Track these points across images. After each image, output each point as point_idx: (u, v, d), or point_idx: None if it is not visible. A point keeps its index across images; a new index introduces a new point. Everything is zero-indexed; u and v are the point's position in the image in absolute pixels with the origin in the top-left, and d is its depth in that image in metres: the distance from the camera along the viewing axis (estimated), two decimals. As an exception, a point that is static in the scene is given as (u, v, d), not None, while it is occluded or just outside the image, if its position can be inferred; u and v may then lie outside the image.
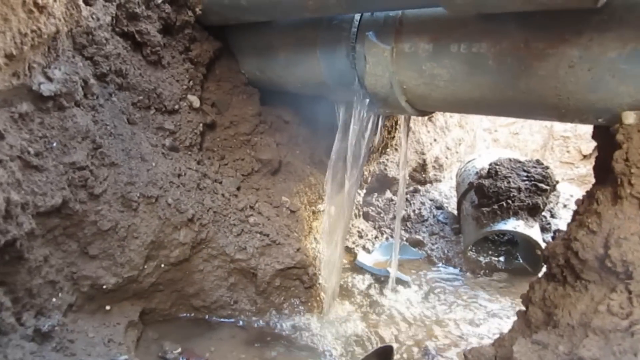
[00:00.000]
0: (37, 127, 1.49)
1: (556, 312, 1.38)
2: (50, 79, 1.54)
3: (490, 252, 3.09)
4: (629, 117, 1.29)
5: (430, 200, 3.73)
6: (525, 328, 1.54)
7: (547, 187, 2.96)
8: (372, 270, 2.69)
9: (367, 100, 2.04)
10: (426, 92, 1.79)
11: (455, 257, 2.94)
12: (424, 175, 4.17)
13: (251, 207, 2.21)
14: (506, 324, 2.24)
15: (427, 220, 3.41)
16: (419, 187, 3.93)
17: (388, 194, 3.79)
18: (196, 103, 2.29)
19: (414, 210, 3.52)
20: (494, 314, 2.37)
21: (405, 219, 3.39)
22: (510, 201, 2.88)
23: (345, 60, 1.99)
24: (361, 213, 3.36)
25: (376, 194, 3.76)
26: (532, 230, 2.82)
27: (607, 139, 1.45)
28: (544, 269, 2.30)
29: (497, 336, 1.67)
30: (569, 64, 1.37)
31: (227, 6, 2.04)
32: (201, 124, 2.30)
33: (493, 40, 1.52)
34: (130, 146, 1.81)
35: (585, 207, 1.43)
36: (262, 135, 2.58)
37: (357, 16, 1.93)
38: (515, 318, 1.64)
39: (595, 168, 1.61)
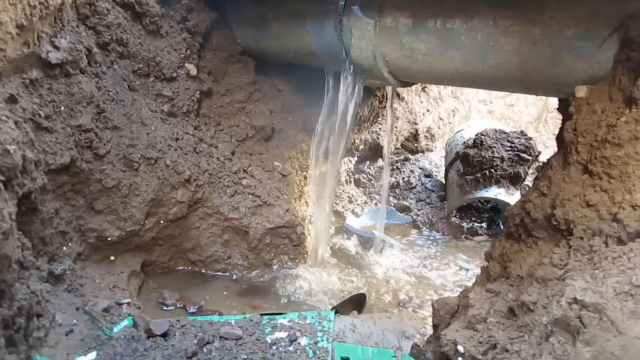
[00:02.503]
0: (46, 92, 1.63)
1: (510, 265, 1.55)
2: (57, 48, 1.67)
3: (473, 219, 3.27)
4: (581, 91, 1.42)
5: (420, 168, 3.88)
6: (485, 280, 1.71)
7: (529, 157, 3.10)
8: (359, 233, 2.87)
9: (353, 70, 2.17)
10: (406, 64, 1.92)
11: (439, 222, 3.11)
12: (415, 145, 4.30)
13: (244, 171, 2.37)
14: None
15: (415, 187, 3.57)
16: (410, 155, 4.07)
17: (380, 162, 3.93)
18: (193, 71, 2.42)
19: (403, 178, 3.67)
20: (466, 271, 2.56)
21: (395, 186, 3.55)
22: (493, 170, 3.03)
23: (333, 32, 2.10)
24: (352, 180, 3.52)
25: (368, 162, 3.91)
26: (512, 198, 2.98)
27: (566, 112, 1.59)
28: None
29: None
30: (531, 40, 1.49)
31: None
32: (198, 92, 2.43)
33: (466, 17, 1.64)
34: (131, 111, 1.96)
35: (542, 172, 1.58)
36: (257, 103, 2.71)
37: (345, -10, 2.02)
38: (480, 273, 1.82)
39: (557, 138, 1.75)
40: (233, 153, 2.47)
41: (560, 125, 1.79)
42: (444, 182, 3.67)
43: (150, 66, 2.20)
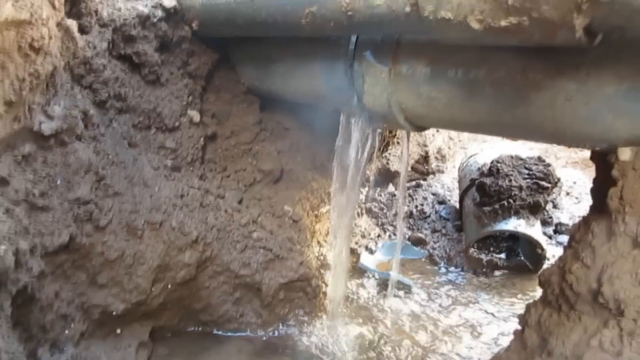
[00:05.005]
0: (41, 166, 1.52)
1: (551, 339, 1.42)
2: (50, 117, 1.56)
3: (491, 249, 3.13)
4: (625, 154, 1.30)
5: (433, 194, 3.75)
6: (521, 349, 1.58)
7: (549, 185, 2.97)
8: (375, 273, 2.75)
9: (367, 114, 2.05)
10: (424, 112, 1.79)
11: (457, 256, 2.98)
12: (426, 167, 4.18)
13: (254, 222, 2.25)
14: (503, 327, 2.31)
15: (429, 216, 3.44)
16: (421, 181, 3.94)
17: (391, 188, 3.81)
18: (196, 118, 2.30)
19: (416, 206, 3.55)
20: (492, 316, 2.43)
21: (408, 216, 3.42)
22: (511, 200, 2.90)
23: (343, 76, 1.98)
24: (364, 211, 3.39)
25: (379, 189, 3.79)
26: (533, 229, 2.85)
27: (604, 163, 1.46)
28: (544, 266, 2.36)
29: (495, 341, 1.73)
30: (566, 96, 1.37)
31: (224, 23, 2.02)
32: (202, 138, 2.32)
33: (490, 67, 1.51)
34: (132, 173, 1.84)
35: (581, 235, 1.45)
36: (263, 144, 2.59)
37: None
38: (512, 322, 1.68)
39: (592, 190, 1.62)
40: (241, 201, 2.35)
41: (594, 176, 1.66)
42: (458, 207, 3.54)
43: (151, 118, 2.09)
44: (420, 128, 2.03)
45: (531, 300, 1.61)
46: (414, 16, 1.36)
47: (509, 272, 2.93)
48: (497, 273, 2.89)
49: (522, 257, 3.09)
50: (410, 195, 3.69)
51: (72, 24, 1.68)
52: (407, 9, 1.37)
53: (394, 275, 2.57)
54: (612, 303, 1.24)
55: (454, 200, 3.71)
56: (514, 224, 2.84)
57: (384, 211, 3.49)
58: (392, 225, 3.33)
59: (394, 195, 3.65)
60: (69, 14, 1.78)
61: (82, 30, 1.82)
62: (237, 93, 2.54)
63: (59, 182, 1.55)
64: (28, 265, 1.32)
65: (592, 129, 1.37)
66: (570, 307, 1.40)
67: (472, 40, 1.30)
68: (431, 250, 3.06)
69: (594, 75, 1.31)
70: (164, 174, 2.01)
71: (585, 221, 1.48)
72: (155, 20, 2.04)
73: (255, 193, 2.47)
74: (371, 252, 3.00)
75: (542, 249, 2.83)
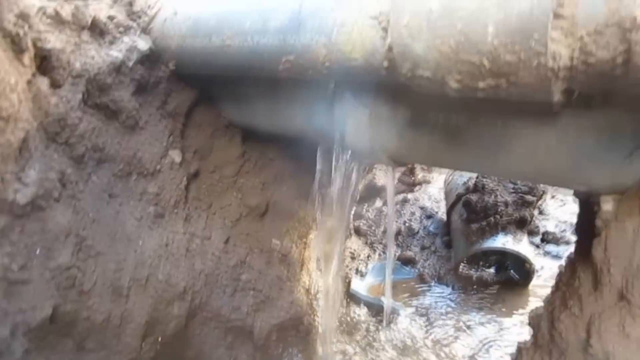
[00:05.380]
0: (18, 236, 1.48)
1: (543, 385, 1.43)
2: (25, 184, 1.51)
3: (481, 263, 3.15)
4: (607, 204, 1.30)
5: (421, 208, 3.76)
6: (515, 391, 1.59)
7: (534, 199, 2.99)
8: (367, 300, 2.75)
9: (349, 152, 2.03)
10: (407, 153, 1.79)
11: (447, 274, 2.99)
12: (412, 178, 4.18)
13: (242, 262, 2.23)
14: (497, 352, 2.33)
15: (417, 232, 3.45)
16: (408, 195, 3.95)
17: (378, 203, 3.81)
18: (178, 158, 2.26)
19: (404, 222, 3.55)
20: (489, 344, 2.45)
21: (396, 233, 3.42)
22: (498, 216, 2.91)
23: (324, 117, 1.96)
24: (352, 230, 3.38)
25: (366, 205, 3.78)
26: (521, 244, 2.87)
27: (587, 204, 1.47)
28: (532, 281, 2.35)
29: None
30: (546, 146, 1.37)
31: (200, 66, 2.00)
32: (185, 177, 2.28)
33: (471, 114, 1.51)
34: (115, 228, 1.80)
35: (568, 279, 1.46)
36: (248, 176, 2.57)
37: (334, 74, 1.88)
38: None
39: (577, 228, 1.63)
40: (228, 240, 2.32)
41: (579, 212, 1.67)
42: (446, 220, 3.55)
43: (131, 165, 2.04)
44: (405, 164, 2.02)
45: (522, 342, 1.61)
46: (392, 71, 1.35)
47: (499, 287, 2.95)
48: (487, 290, 2.91)
49: (511, 271, 3.12)
50: (398, 211, 3.69)
51: (43, 82, 1.64)
52: (385, 63, 1.36)
53: (387, 302, 2.57)
54: (602, 355, 1.25)
55: (442, 212, 3.72)
56: (501, 241, 2.86)
57: (373, 229, 3.49)
58: (381, 243, 3.33)
59: (382, 211, 3.64)
60: (39, 68, 1.74)
61: (54, 83, 1.77)
62: (218, 127, 2.50)
63: (38, 251, 1.51)
64: (11, 350, 1.29)
65: (574, 177, 1.38)
66: (561, 353, 1.41)
67: (451, 96, 1.29)
68: (421, 269, 3.07)
69: (573, 126, 1.31)
70: (147, 224, 1.97)
71: (571, 264, 1.49)
72: (130, 64, 1.99)
73: (242, 229, 2.44)
74: (362, 275, 3.00)
75: (531, 264, 2.85)
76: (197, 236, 2.17)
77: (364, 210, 3.72)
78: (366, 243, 3.35)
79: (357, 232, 3.48)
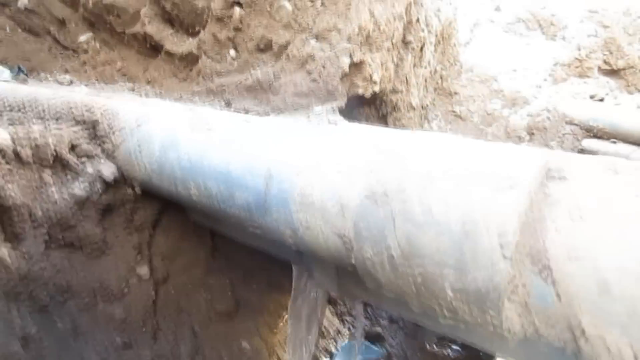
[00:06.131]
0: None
1: None
2: (-14, 366, 1.49)
3: (447, 339, 3.26)
4: None
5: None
6: None
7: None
8: (336, 389, 2.83)
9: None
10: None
11: (414, 355, 3.09)
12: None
13: (212, 380, 2.25)
14: None
15: (385, 302, 3.53)
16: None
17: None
18: (146, 274, 2.25)
19: (373, 290, 3.62)
20: None
21: (365, 304, 3.50)
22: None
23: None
24: (322, 301, 3.43)
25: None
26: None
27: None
28: None
29: None
30: None
31: (168, 191, 1.97)
32: (153, 290, 2.27)
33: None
34: (81, 377, 1.80)
35: None
36: (217, 276, 2.57)
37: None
38: None
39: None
40: (198, 350, 2.34)
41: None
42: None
43: (97, 294, 2.02)
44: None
45: None
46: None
47: (465, 364, 3.08)
48: (453, 370, 3.03)
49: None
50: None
51: (4, 253, 1.60)
52: (350, 268, 1.39)
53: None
54: None
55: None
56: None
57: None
58: (350, 314, 3.40)
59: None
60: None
61: (16, 238, 1.73)
62: (186, 229, 2.49)
63: None
64: None
65: None
66: None
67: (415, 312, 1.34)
68: (389, 348, 3.16)
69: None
70: (113, 358, 1.97)
71: None
72: (95, 198, 1.97)
73: (211, 333, 2.46)
74: (331, 357, 3.06)
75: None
76: (165, 357, 2.17)
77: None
78: (336, 313, 3.41)
79: (328, 300, 3.53)
